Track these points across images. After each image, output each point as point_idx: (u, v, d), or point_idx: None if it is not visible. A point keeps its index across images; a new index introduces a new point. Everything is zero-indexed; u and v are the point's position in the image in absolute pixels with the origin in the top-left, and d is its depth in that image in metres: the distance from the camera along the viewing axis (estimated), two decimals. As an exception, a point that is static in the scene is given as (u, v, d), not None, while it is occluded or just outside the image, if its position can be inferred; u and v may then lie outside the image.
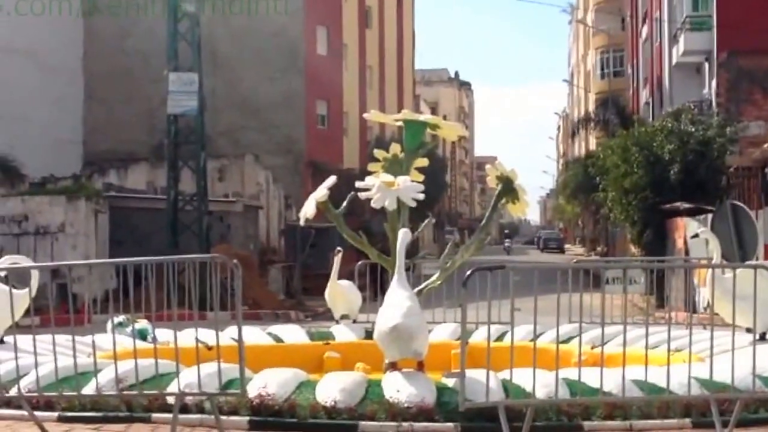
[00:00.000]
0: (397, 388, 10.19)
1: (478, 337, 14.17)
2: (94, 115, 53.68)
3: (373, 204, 12.74)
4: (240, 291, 9.43)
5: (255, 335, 15.36)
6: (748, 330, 11.76)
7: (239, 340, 9.33)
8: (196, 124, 35.71)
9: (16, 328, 11.16)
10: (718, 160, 36.81)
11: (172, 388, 9.76)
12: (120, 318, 13.67)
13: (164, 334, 12.53)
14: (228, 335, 12.19)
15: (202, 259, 10.45)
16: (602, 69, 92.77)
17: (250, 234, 41.18)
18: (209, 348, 10.39)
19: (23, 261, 12.95)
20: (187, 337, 11.41)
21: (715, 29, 45.62)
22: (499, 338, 14.11)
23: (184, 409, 9.92)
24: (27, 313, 11.30)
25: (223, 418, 9.70)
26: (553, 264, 13.20)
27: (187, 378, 9.68)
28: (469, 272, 9.46)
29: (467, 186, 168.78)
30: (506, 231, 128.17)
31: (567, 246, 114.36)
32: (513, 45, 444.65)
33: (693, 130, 37.77)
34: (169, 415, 9.48)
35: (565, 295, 9.91)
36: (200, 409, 10.17)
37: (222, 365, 9.49)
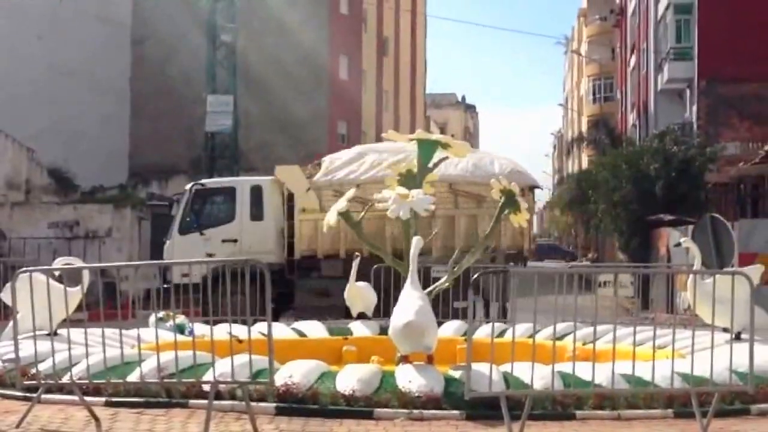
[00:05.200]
0: (409, 379, 10.17)
1: (482, 334, 14.13)
2: (140, 132, 53.81)
3: (389, 214, 12.77)
4: (269, 291, 9.38)
5: (281, 330, 15.34)
6: (725, 330, 11.70)
7: (268, 335, 9.31)
8: (230, 140, 35.91)
9: (69, 322, 11.17)
10: (698, 177, 36.81)
11: (208, 377, 9.73)
12: (161, 314, 13.66)
13: (200, 329, 12.52)
14: (257, 330, 12.15)
15: (236, 262, 10.43)
16: (594, 94, 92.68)
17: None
18: (241, 341, 10.36)
19: (75, 262, 12.95)
20: (221, 332, 11.39)
21: (696, 59, 45.61)
22: (501, 335, 14.05)
23: (218, 396, 9.91)
24: (78, 308, 11.31)
25: (253, 404, 9.67)
26: (551, 269, 13.13)
27: (221, 368, 9.66)
28: (475, 275, 9.43)
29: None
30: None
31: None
32: (514, 72, 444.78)
33: (676, 149, 37.77)
34: (205, 401, 9.46)
35: (560, 296, 9.85)
36: (232, 396, 10.17)
37: (252, 357, 9.47)
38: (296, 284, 24.93)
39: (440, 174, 24.07)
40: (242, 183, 25.81)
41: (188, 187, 25.58)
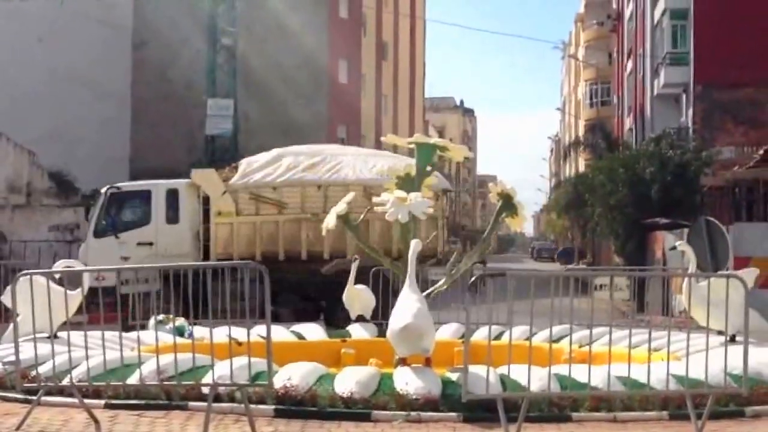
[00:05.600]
0: (407, 381, 10.18)
1: (479, 336, 14.11)
2: (140, 136, 53.65)
3: (387, 217, 12.77)
4: (269, 293, 9.39)
5: (280, 333, 15.31)
6: (720, 332, 11.70)
7: (267, 338, 9.32)
8: (230, 144, 35.87)
9: (69, 324, 11.17)
10: (693, 181, 36.81)
11: (207, 379, 9.75)
12: (161, 316, 13.65)
13: (200, 331, 12.51)
14: (257, 333, 12.16)
15: (235, 265, 10.44)
16: (591, 99, 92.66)
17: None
18: (240, 344, 10.37)
19: (76, 265, 12.95)
20: (220, 334, 11.39)
21: (692, 64, 45.61)
22: (498, 337, 14.04)
23: (217, 398, 9.91)
24: (79, 311, 11.31)
25: (252, 406, 9.68)
26: (548, 272, 13.08)
27: (221, 370, 9.67)
28: (473, 278, 9.45)
29: (470, 201, 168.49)
30: None
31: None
32: (512, 76, 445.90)
33: (672, 153, 37.79)
34: (204, 404, 9.47)
35: (556, 299, 9.87)
36: (231, 399, 10.17)
37: (251, 359, 9.48)
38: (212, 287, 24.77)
39: (356, 178, 24.37)
40: (158, 186, 25.39)
41: (103, 190, 25.31)
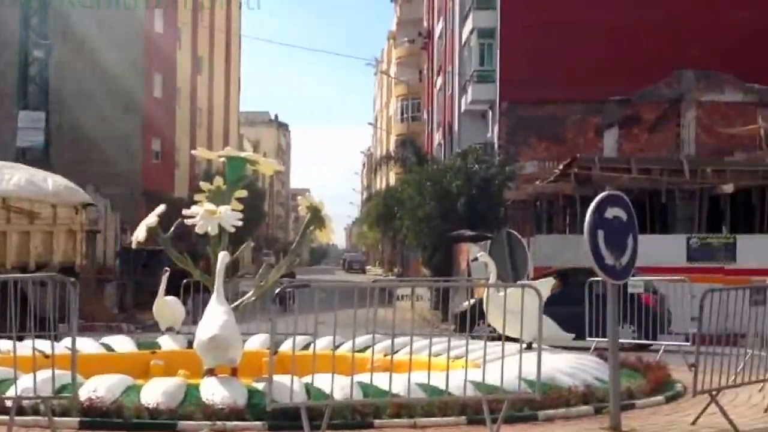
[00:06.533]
0: (213, 392, 10.15)
1: (286, 347, 14.13)
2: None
3: (197, 230, 12.68)
4: (76, 306, 9.22)
5: (88, 345, 15.00)
6: (516, 340, 12.02)
7: (72, 350, 9.16)
8: (42, 156, 34.95)
9: None
10: (498, 195, 37.66)
11: (10, 392, 9.52)
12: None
13: (4, 344, 12.18)
14: (64, 345, 11.91)
15: (43, 277, 10.23)
16: (402, 114, 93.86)
17: (89, 255, 40.25)
18: (46, 356, 10.17)
19: None
20: (25, 347, 11.11)
21: (497, 82, 46.67)
22: (305, 348, 14.08)
23: (21, 411, 9.68)
24: None
25: (56, 419, 9.49)
26: (352, 283, 13.14)
27: (24, 383, 9.46)
28: (278, 290, 9.49)
29: (283, 214, 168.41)
30: None
31: (368, 267, 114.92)
32: (327, 92, 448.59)
33: (477, 168, 38.59)
34: (6, 417, 9.24)
35: (362, 309, 9.98)
36: (35, 412, 9.91)
37: (56, 372, 9.29)
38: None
39: None
40: None
41: None
